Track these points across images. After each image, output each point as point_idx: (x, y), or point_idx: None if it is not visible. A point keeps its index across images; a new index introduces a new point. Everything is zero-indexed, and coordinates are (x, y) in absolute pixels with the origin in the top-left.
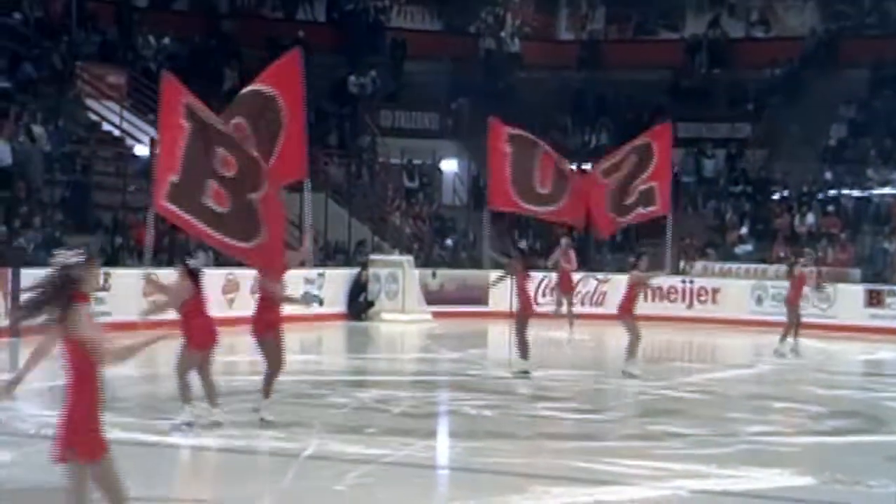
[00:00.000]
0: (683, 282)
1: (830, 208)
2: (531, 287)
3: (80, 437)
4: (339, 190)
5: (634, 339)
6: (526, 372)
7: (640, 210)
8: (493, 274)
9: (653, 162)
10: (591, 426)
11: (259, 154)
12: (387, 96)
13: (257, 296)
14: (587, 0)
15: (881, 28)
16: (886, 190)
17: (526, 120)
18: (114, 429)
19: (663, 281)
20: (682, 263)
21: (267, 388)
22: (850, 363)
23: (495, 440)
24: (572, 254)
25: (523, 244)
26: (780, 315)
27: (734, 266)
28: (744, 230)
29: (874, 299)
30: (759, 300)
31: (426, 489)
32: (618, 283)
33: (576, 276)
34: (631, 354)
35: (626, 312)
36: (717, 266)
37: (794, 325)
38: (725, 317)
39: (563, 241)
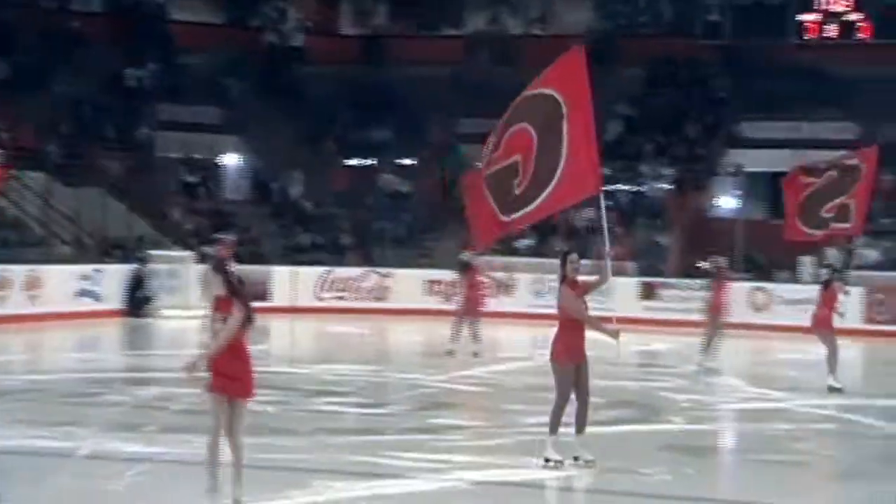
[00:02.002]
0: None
1: (608, 203)
2: None
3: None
4: (117, 184)
5: (833, 351)
6: None
7: (835, 225)
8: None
9: (858, 182)
10: (372, 420)
11: (543, 165)
12: (166, 89)
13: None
14: None
15: (655, 27)
16: (659, 185)
17: (309, 114)
18: None
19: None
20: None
21: (579, 423)
22: (626, 354)
23: (277, 436)
24: None
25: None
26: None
27: (515, 260)
28: None
29: (648, 292)
30: (539, 294)
31: (199, 485)
32: (400, 278)
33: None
34: (831, 368)
35: (823, 325)
36: (500, 260)
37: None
38: (506, 310)
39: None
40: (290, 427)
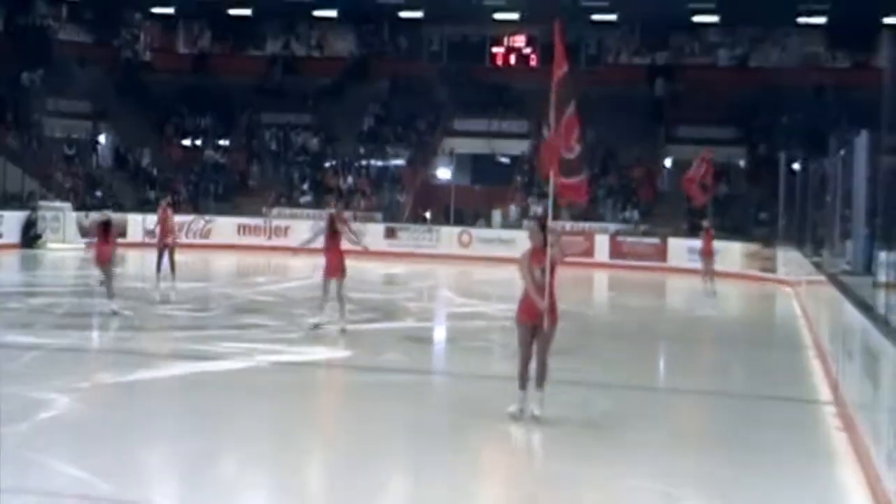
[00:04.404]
0: (265, 222)
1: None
2: None
3: None
4: (16, 155)
5: (711, 268)
6: None
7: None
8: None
9: (707, 168)
10: (199, 320)
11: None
12: (52, 88)
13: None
14: None
15: (395, 52)
16: (399, 161)
17: (155, 108)
18: None
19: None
20: (264, 209)
21: (537, 377)
22: (375, 276)
23: (134, 331)
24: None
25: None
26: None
27: (298, 211)
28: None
29: (390, 234)
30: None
31: (78, 365)
32: (220, 223)
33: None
34: (711, 278)
35: (707, 255)
36: (288, 211)
37: None
38: (292, 245)
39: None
40: (139, 325)
